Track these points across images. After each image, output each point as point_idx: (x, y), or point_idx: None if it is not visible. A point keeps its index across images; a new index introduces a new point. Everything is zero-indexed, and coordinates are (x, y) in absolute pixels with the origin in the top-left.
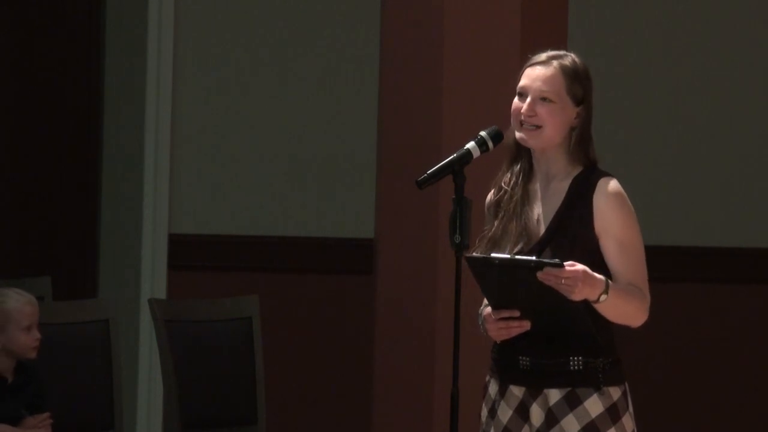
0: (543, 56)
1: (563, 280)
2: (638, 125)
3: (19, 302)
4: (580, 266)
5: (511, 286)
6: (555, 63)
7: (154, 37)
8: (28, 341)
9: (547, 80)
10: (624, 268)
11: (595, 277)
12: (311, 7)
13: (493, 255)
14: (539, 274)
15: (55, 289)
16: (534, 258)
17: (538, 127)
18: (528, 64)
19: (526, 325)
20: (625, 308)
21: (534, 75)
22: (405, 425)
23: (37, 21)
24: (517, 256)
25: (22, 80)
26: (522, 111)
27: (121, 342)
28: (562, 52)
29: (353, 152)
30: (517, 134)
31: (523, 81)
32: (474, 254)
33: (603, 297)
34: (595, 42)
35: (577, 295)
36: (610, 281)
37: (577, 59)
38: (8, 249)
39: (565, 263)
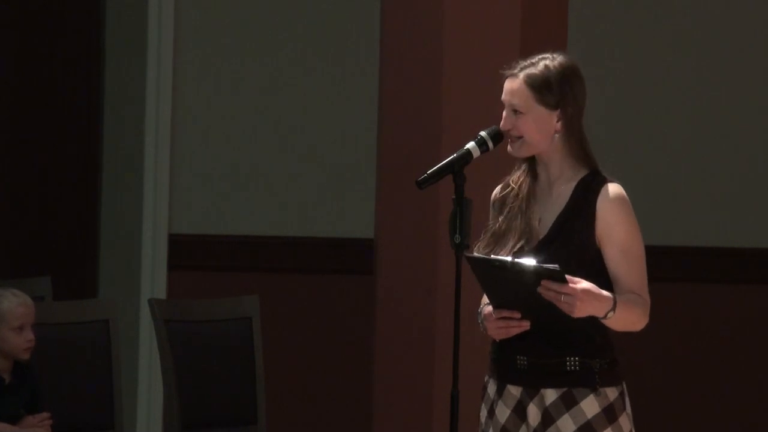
0: (516, 68)
1: (563, 297)
2: (638, 125)
3: (12, 303)
4: (582, 285)
5: (511, 286)
6: (522, 75)
7: (154, 37)
8: (19, 342)
9: (514, 93)
10: (626, 274)
11: (602, 296)
12: (311, 7)
13: (493, 257)
14: (540, 289)
15: (55, 289)
16: (534, 263)
17: (519, 138)
18: (504, 76)
19: (526, 325)
20: (630, 319)
21: (506, 88)
22: (405, 425)
23: (37, 21)
24: (517, 259)
25: (22, 80)
26: (501, 125)
27: (121, 342)
28: (537, 58)
29: (353, 152)
30: (507, 147)
31: (503, 94)
32: (475, 254)
33: (610, 314)
34: (595, 42)
35: (578, 314)
36: (617, 297)
37: (552, 63)
38: (8, 249)
39: (567, 276)
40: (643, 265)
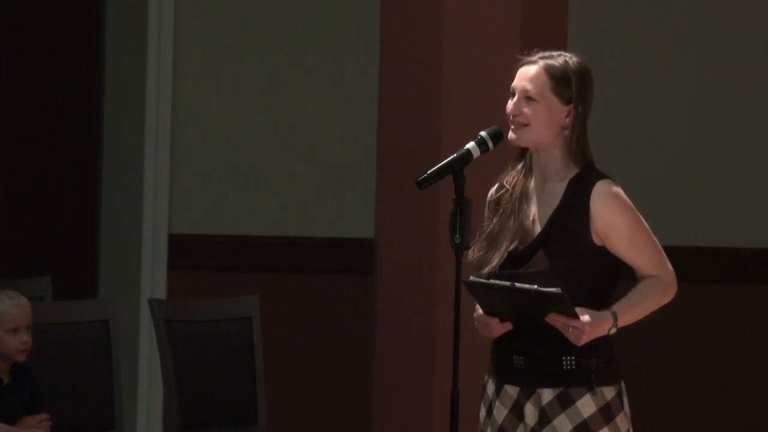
0: (534, 56)
1: (570, 329)
2: (638, 125)
3: (6, 304)
4: (586, 317)
5: (510, 305)
6: (542, 63)
7: (154, 37)
8: (13, 344)
9: (532, 79)
10: (640, 261)
11: (601, 321)
12: (311, 7)
13: (492, 281)
14: (548, 318)
15: (55, 289)
16: (535, 287)
17: (525, 125)
18: (520, 63)
19: (508, 326)
20: (644, 311)
21: (521, 74)
22: (405, 425)
23: (37, 21)
24: (517, 284)
25: (22, 80)
26: (508, 110)
27: (121, 342)
28: (556, 53)
29: (353, 152)
30: (509, 134)
31: (514, 80)
32: (472, 278)
33: (613, 330)
34: (595, 42)
35: (583, 343)
36: (618, 310)
37: (570, 60)
38: (8, 249)
39: (577, 311)
40: (653, 242)
